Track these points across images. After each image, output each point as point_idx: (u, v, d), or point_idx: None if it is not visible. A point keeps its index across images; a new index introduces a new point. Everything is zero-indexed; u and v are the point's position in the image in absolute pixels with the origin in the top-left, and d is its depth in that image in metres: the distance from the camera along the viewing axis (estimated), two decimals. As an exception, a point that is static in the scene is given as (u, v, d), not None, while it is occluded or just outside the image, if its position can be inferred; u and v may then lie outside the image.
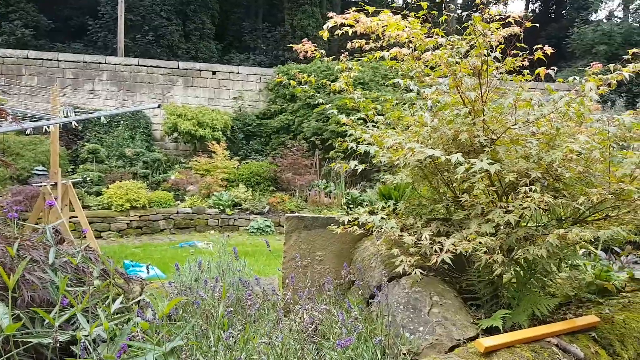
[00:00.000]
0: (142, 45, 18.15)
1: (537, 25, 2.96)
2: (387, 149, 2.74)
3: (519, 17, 2.77)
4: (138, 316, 2.12)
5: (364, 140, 3.01)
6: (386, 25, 2.77)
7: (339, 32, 2.96)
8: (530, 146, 2.46)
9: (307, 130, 14.30)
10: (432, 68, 2.92)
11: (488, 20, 2.42)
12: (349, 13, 2.78)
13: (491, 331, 2.16)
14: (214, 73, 15.76)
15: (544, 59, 2.52)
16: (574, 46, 18.63)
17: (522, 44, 2.81)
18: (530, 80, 2.85)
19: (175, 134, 13.90)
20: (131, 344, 1.88)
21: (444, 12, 2.66)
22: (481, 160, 2.23)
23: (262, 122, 15.51)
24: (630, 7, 18.72)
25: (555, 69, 2.54)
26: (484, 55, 2.41)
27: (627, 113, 2.39)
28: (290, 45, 3.63)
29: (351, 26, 2.82)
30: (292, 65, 15.76)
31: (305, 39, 3.33)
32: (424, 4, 2.61)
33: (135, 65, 15.24)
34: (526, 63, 2.87)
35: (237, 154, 14.58)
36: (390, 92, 11.86)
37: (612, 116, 2.24)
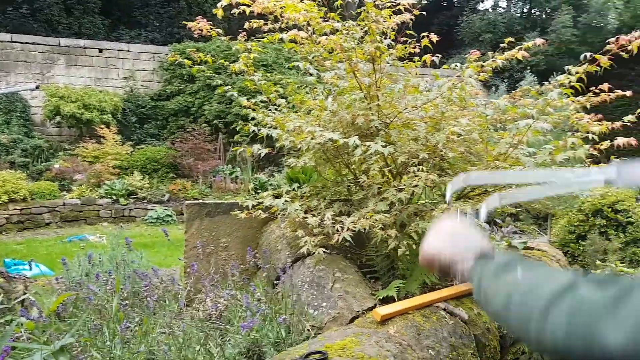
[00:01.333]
0: (14, 19, 16.12)
1: (425, 13, 3.12)
2: (290, 133, 2.77)
3: (409, 4, 2.91)
4: (22, 316, 1.96)
5: (267, 124, 3.01)
6: (284, 7, 2.77)
7: (235, 11, 2.89)
8: (419, 129, 2.64)
9: (208, 113, 13.81)
10: (330, 52, 2.98)
11: (380, 6, 2.52)
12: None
13: (388, 301, 2.32)
14: (100, 51, 14.52)
15: (430, 46, 2.69)
16: (463, 34, 20.09)
17: (413, 32, 2.96)
18: (419, 67, 3.03)
19: (58, 118, 12.65)
20: (15, 345, 1.73)
21: (339, -2, 2.72)
22: (376, 144, 2.35)
23: (157, 103, 14.64)
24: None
25: (440, 56, 2.73)
26: (377, 42, 2.52)
27: (503, 97, 2.66)
28: (184, 23, 3.47)
29: (247, 5, 2.77)
30: (188, 43, 15.02)
31: (200, 17, 3.21)
32: (320, -12, 2.64)
33: (8, 41, 13.53)
34: (417, 50, 3.04)
35: (130, 138, 13.62)
36: (294, 74, 11.88)
37: (490, 100, 2.48)
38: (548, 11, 20.41)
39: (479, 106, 2.67)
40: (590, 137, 2.45)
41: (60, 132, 13.80)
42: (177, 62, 14.73)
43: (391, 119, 2.65)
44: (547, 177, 0.86)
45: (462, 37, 20.21)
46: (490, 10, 19.89)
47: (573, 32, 15.91)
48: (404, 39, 2.94)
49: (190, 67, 3.56)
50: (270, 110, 3.27)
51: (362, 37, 2.72)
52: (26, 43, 13.71)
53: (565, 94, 2.33)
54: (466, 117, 2.60)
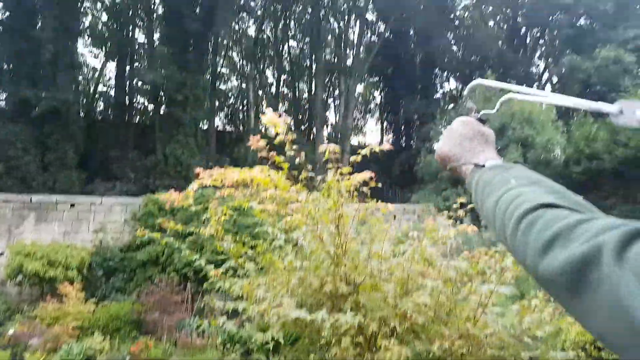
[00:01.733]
0: (-12, 178, 16.31)
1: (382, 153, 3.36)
2: (258, 302, 2.74)
3: (379, 150, 3.11)
4: None
5: (233, 291, 2.99)
6: (253, 178, 2.95)
7: (207, 183, 3.06)
8: (387, 289, 2.67)
9: (177, 262, 13.49)
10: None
11: (340, 180, 2.72)
12: (216, 169, 2.92)
13: None
14: (72, 205, 14.42)
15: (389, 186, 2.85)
16: (422, 172, 21.42)
17: (375, 183, 3.15)
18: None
19: (20, 277, 12.01)
20: None
21: (303, 171, 2.93)
22: (345, 313, 2.34)
23: (126, 255, 14.20)
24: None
25: (394, 216, 2.87)
26: (341, 211, 2.66)
27: (464, 255, 2.76)
28: (156, 195, 3.62)
29: (220, 181, 2.94)
30: (163, 193, 15.30)
31: (172, 190, 3.36)
32: (285, 165, 2.86)
33: (-21, 200, 13.50)
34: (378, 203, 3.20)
35: (95, 294, 12.82)
36: (265, 233, 12.04)
37: (450, 263, 2.57)
38: (498, 148, 22.33)
39: (442, 267, 2.74)
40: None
41: (20, 292, 12.99)
42: (150, 212, 14.83)
43: (359, 282, 2.68)
44: (562, 100, 0.91)
45: (422, 175, 21.53)
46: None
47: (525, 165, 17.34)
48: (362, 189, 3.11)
49: (165, 216, 3.61)
50: (238, 275, 3.28)
51: (327, 202, 2.87)
52: (-3, 200, 13.66)
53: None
54: (431, 277, 2.66)
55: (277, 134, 2.86)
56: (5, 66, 19.08)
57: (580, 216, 0.60)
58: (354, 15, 32.25)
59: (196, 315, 12.28)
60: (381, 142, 34.21)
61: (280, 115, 2.74)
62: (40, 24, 18.23)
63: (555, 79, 29.89)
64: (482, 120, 1.01)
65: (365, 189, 2.99)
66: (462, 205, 3.11)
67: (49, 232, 13.85)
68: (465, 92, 1.06)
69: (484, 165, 0.90)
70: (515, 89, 1.01)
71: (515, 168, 0.83)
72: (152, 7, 26.24)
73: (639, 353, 0.47)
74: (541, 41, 31.20)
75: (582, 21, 27.69)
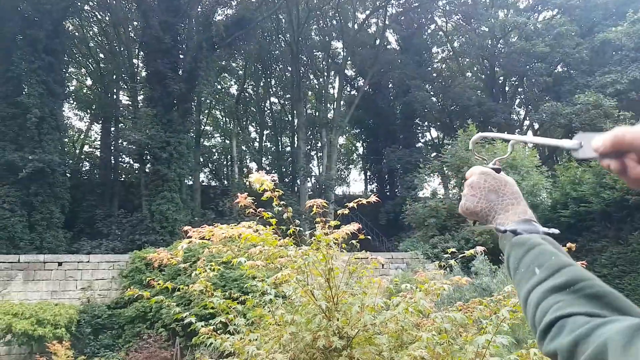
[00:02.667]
0: (-23, 240, 16.15)
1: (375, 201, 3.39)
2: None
3: (362, 202, 3.14)
4: None
5: (224, 348, 2.90)
6: (241, 234, 2.95)
7: (192, 241, 3.04)
8: (381, 342, 2.62)
9: (166, 317, 13.21)
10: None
11: (329, 232, 2.73)
12: (204, 227, 2.92)
13: None
14: (60, 264, 14.39)
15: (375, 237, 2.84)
16: (409, 219, 21.47)
17: (363, 235, 3.17)
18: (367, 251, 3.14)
19: (9, 337, 11.83)
20: None
21: (291, 226, 2.94)
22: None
23: (114, 312, 14.07)
24: (448, 186, 22.77)
25: (383, 263, 2.86)
26: (330, 264, 2.65)
27: (456, 306, 2.74)
28: (144, 254, 3.58)
29: (208, 239, 2.92)
30: (150, 249, 15.17)
31: (161, 249, 3.33)
32: (273, 221, 2.87)
33: (-33, 262, 13.33)
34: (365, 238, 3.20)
35: (83, 352, 12.66)
36: (254, 287, 11.91)
37: (447, 313, 2.54)
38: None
39: (437, 318, 2.71)
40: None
41: (9, 351, 12.75)
42: (138, 268, 14.62)
43: (352, 336, 2.63)
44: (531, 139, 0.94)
45: (409, 222, 21.59)
46: (430, 197, 21.72)
47: (512, 211, 17.47)
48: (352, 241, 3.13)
49: (152, 271, 3.54)
50: (229, 331, 3.20)
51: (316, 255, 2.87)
52: (-15, 261, 13.53)
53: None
54: (426, 328, 2.62)
55: (264, 191, 2.89)
56: (-8, 130, 19.20)
57: (597, 321, 0.65)
58: (333, 72, 33.47)
59: (185, 375, 11.88)
60: (365, 191, 34.47)
61: (267, 173, 2.78)
62: (26, 89, 18.55)
63: (536, 125, 30.84)
64: (497, 170, 0.98)
65: (354, 241, 3.00)
66: (453, 254, 3.11)
67: (37, 291, 13.82)
68: (470, 146, 1.09)
69: (505, 231, 0.88)
70: (516, 138, 1.05)
71: (536, 248, 0.82)
72: (136, 70, 26.96)
73: None
74: (520, 89, 32.41)
75: (559, 68, 28.94)
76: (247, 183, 29.26)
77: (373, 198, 2.94)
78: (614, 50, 25.34)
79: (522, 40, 27.22)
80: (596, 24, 27.60)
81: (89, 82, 30.63)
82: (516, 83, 32.18)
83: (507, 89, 32.61)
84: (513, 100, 32.27)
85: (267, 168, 31.29)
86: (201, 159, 29.39)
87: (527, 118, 31.31)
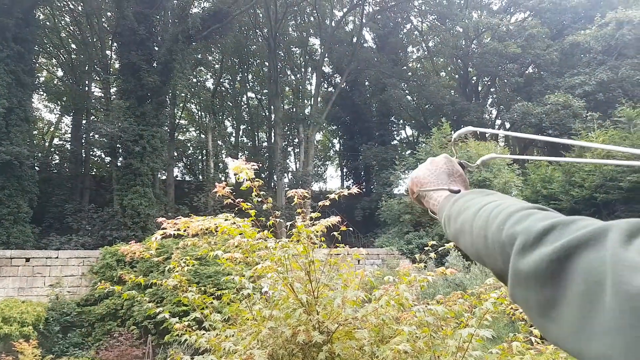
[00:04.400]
0: (-61, 234, 15.47)
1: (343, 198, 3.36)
2: (226, 357, 2.58)
3: (336, 196, 3.10)
4: None
5: (200, 346, 2.82)
6: (218, 225, 2.86)
7: (170, 233, 2.93)
8: (362, 336, 2.58)
9: (138, 315, 12.96)
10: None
11: (310, 224, 2.67)
12: (180, 219, 2.82)
13: None
14: (27, 260, 13.94)
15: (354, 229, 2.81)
16: (385, 216, 21.65)
17: (345, 227, 3.12)
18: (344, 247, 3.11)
19: (-29, 335, 11.34)
20: None
21: (270, 217, 2.87)
22: (321, 364, 2.23)
23: (83, 309, 13.72)
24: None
25: (363, 254, 2.83)
26: (310, 256, 2.60)
27: (438, 298, 2.72)
28: (115, 249, 3.46)
29: (184, 230, 2.83)
30: (121, 245, 14.80)
31: (133, 241, 3.21)
32: (252, 212, 2.80)
33: None
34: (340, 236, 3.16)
35: (52, 350, 12.36)
36: (230, 282, 11.76)
37: (428, 306, 2.52)
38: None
39: (418, 311, 2.69)
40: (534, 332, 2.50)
41: (-31, 352, 12.21)
42: (108, 265, 14.29)
43: (333, 330, 2.58)
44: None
45: (385, 219, 21.77)
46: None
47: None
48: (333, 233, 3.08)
49: (122, 268, 3.42)
50: (204, 327, 3.11)
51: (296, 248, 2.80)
52: (-54, 257, 12.98)
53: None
54: (406, 322, 2.60)
55: (242, 181, 2.81)
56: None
57: (581, 216, 0.55)
58: (310, 68, 33.36)
59: (157, 373, 11.69)
60: (342, 187, 34.50)
61: (246, 162, 2.70)
62: (-7, 79, 17.85)
63: (508, 125, 31.47)
64: (461, 164, 1.04)
65: (335, 233, 2.95)
66: (433, 247, 3.09)
67: (2, 288, 13.44)
68: (454, 136, 1.09)
69: (459, 191, 0.91)
70: (501, 133, 1.09)
71: (483, 190, 0.83)
72: (109, 62, 26.27)
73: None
74: (492, 89, 33.01)
75: (530, 69, 29.58)
76: (223, 178, 28.91)
77: (355, 189, 2.89)
78: (583, 52, 26.09)
79: (494, 41, 27.73)
80: (566, 27, 28.35)
81: (60, 73, 29.66)
82: (489, 83, 32.78)
83: (480, 88, 33.20)
84: (485, 99, 32.89)
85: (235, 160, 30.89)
86: (175, 153, 28.90)
87: (499, 117, 31.93)
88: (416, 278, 2.69)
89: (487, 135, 30.25)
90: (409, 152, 29.20)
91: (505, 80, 29.47)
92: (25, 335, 11.61)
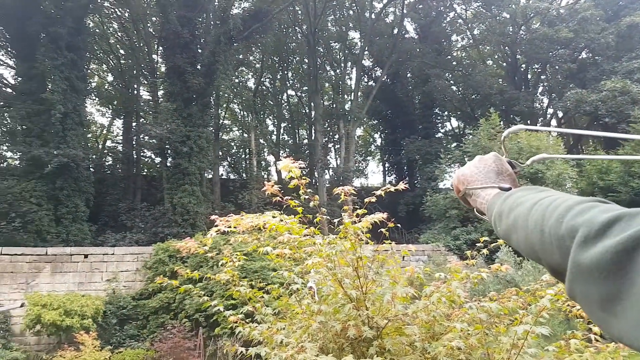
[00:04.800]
0: (6, 232, 16.61)
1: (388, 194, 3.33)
2: (279, 347, 2.64)
3: (393, 189, 3.08)
4: None
5: (252, 338, 2.90)
6: (267, 223, 2.92)
7: (220, 229, 3.02)
8: (412, 333, 2.57)
9: (189, 308, 13.42)
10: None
11: (356, 221, 2.68)
12: (231, 216, 2.90)
13: None
14: (86, 256, 14.73)
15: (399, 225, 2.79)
16: (430, 211, 21.28)
17: (393, 223, 3.10)
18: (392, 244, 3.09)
19: (38, 327, 12.18)
20: None
21: (317, 215, 2.90)
22: (371, 358, 2.24)
23: (138, 303, 14.33)
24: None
25: (412, 250, 2.81)
26: (358, 252, 2.61)
27: (491, 295, 2.67)
28: (167, 246, 3.60)
29: (234, 227, 2.91)
30: (172, 241, 15.38)
31: (188, 238, 3.34)
32: (300, 209, 2.84)
33: (-2, 254, 13.80)
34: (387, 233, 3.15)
35: (110, 342, 12.99)
36: (276, 277, 12.00)
37: (480, 303, 2.48)
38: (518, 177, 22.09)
39: (470, 308, 2.64)
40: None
41: (38, 341, 13.16)
42: (159, 260, 14.82)
43: (383, 326, 2.58)
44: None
45: (430, 214, 21.39)
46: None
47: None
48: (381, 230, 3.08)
49: (175, 263, 3.57)
50: (255, 319, 3.19)
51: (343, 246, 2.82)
52: (14, 255, 13.94)
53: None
54: (458, 318, 2.56)
55: (290, 179, 2.85)
56: (19, 127, 19.69)
57: None
58: (350, 63, 33.19)
59: (209, 362, 12.06)
60: (384, 183, 34.24)
61: (294, 161, 2.74)
62: (50, 86, 18.91)
63: (560, 114, 30.13)
64: (512, 165, 1.02)
65: (383, 230, 2.94)
66: (485, 244, 3.01)
67: (64, 283, 14.19)
68: (504, 134, 1.07)
69: (510, 189, 0.90)
70: (553, 130, 1.04)
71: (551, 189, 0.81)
72: (155, 65, 27.22)
73: None
74: (543, 77, 31.65)
75: (583, 54, 28.14)
76: (265, 176, 29.31)
77: (401, 185, 2.88)
78: (642, 35, 24.58)
79: (544, 26, 26.56)
80: (622, 8, 26.73)
81: (110, 78, 31.07)
82: (539, 70, 31.44)
83: (529, 76, 31.91)
84: (536, 88, 31.57)
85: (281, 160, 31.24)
86: (220, 153, 29.60)
87: (551, 106, 30.62)
88: (469, 275, 2.65)
89: (538, 125, 29.10)
90: (454, 144, 28.49)
91: (557, 67, 28.16)
92: (85, 327, 12.16)
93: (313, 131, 30.34)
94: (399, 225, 2.99)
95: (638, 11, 24.65)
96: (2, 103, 21.46)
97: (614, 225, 0.52)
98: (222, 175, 30.29)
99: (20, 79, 20.06)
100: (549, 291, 2.34)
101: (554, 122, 32.62)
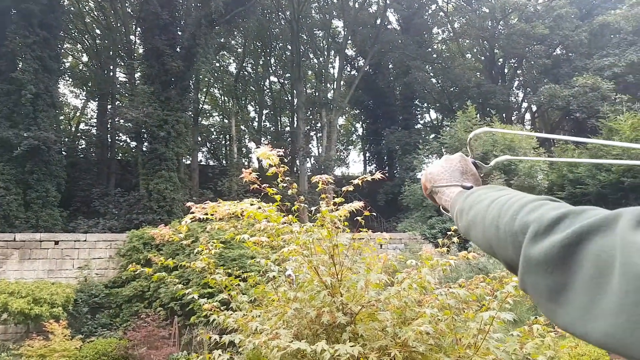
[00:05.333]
0: (-28, 219, 16.11)
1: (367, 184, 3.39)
2: (253, 335, 2.68)
3: (370, 179, 3.13)
4: None
5: (228, 326, 2.92)
6: (244, 210, 2.94)
7: (197, 217, 3.02)
8: (385, 318, 2.63)
9: (164, 296, 13.32)
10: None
11: (333, 209, 2.72)
12: (208, 203, 2.90)
13: None
14: (56, 243, 14.39)
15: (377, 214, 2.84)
16: (408, 200, 21.58)
17: (368, 212, 3.16)
18: (368, 232, 3.15)
19: (5, 315, 11.84)
20: None
21: (295, 202, 2.93)
22: (344, 344, 2.30)
23: (111, 291, 14.12)
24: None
25: (387, 238, 2.87)
26: (334, 240, 2.65)
27: (460, 282, 2.75)
28: (141, 233, 3.58)
29: (211, 214, 2.91)
30: (147, 228, 15.18)
31: (162, 225, 3.32)
32: (278, 197, 2.86)
33: (-38, 240, 13.33)
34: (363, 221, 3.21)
35: (81, 331, 12.76)
36: (255, 265, 12.04)
37: (450, 290, 2.55)
38: (481, 176, 22.53)
39: (440, 294, 2.72)
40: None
41: (5, 330, 12.83)
42: (134, 247, 14.65)
43: (356, 312, 2.64)
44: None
45: (407, 204, 21.70)
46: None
47: (508, 193, 17.46)
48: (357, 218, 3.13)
49: (149, 251, 3.56)
50: (231, 307, 3.22)
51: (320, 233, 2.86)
52: (-19, 240, 13.53)
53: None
54: (428, 304, 2.64)
55: (269, 166, 2.87)
56: (-14, 107, 19.00)
57: (591, 207, 0.58)
58: (333, 51, 33.07)
59: (183, 349, 12.03)
60: (364, 172, 34.41)
61: (272, 149, 2.75)
62: (20, 65, 18.27)
63: (534, 107, 30.72)
64: (476, 165, 1.08)
65: (359, 218, 2.99)
66: (456, 232, 3.11)
67: (33, 270, 13.84)
68: (470, 136, 1.12)
69: (472, 187, 0.95)
70: (519, 134, 1.13)
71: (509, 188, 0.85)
72: (133, 47, 26.56)
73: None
74: (519, 71, 32.20)
75: (557, 51, 28.71)
76: (246, 163, 29.12)
77: (378, 175, 2.92)
78: (612, 33, 25.20)
79: (522, 22, 26.95)
80: (595, 7, 27.37)
81: (84, 58, 30.22)
82: (515, 65, 31.97)
83: (506, 70, 32.42)
84: (512, 82, 32.12)
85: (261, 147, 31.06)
86: (199, 138, 29.22)
87: (525, 100, 31.21)
88: (439, 262, 2.72)
89: (512, 118, 29.68)
90: (432, 136, 28.84)
91: (532, 62, 28.69)
92: (55, 316, 11.86)
93: (295, 119, 30.22)
94: (375, 213, 3.05)
95: (610, 11, 25.27)
96: (-31, 82, 20.68)
97: (561, 221, 0.56)
98: (200, 161, 29.98)
99: (-12, 56, 19.32)
100: (514, 278, 2.43)
101: (528, 115, 33.28)
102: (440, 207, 1.04)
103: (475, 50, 34.64)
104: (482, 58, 33.33)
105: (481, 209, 0.76)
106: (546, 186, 18.28)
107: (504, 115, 28.81)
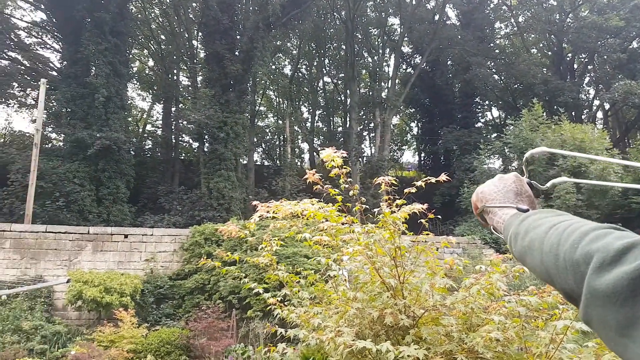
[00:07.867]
0: (51, 211, 17.43)
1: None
2: (316, 331, 2.71)
3: (434, 181, 3.09)
4: None
5: (291, 321, 2.98)
6: (306, 210, 2.98)
7: (264, 216, 3.10)
8: (449, 323, 2.58)
9: (223, 289, 13.77)
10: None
11: (395, 210, 2.70)
12: (272, 202, 2.97)
13: None
14: (126, 236, 15.27)
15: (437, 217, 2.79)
16: (467, 203, 20.87)
17: (432, 214, 3.11)
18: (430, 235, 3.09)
19: (79, 302, 12.74)
20: None
21: (356, 204, 2.93)
22: (408, 346, 2.28)
23: (175, 283, 14.78)
24: (510, 168, 21.77)
25: (453, 242, 2.80)
26: (397, 242, 2.63)
27: (530, 289, 2.64)
28: (203, 228, 3.72)
29: (274, 213, 2.98)
30: (208, 224, 15.77)
31: (229, 222, 3.44)
32: (339, 198, 2.88)
33: (42, 232, 14.46)
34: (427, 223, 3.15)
35: (147, 319, 13.46)
36: (308, 264, 12.21)
37: (519, 297, 2.46)
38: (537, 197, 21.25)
39: (509, 301, 2.62)
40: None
41: (79, 316, 13.79)
42: (196, 242, 15.20)
43: (419, 315, 2.61)
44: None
45: (466, 206, 21.01)
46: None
47: (578, 197, 16.45)
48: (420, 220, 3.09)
49: (210, 246, 3.70)
50: (292, 303, 3.28)
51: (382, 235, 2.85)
52: (58, 232, 14.59)
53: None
54: (495, 311, 2.56)
55: (331, 167, 2.89)
56: (63, 110, 20.50)
57: None
58: (388, 49, 32.69)
59: (240, 341, 12.38)
60: (419, 173, 33.74)
61: (336, 150, 2.78)
62: (94, 70, 19.54)
63: (607, 105, 28.84)
64: (530, 184, 1.03)
65: (423, 221, 2.95)
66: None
67: (104, 261, 14.74)
68: (526, 156, 1.07)
69: (527, 210, 0.91)
70: (580, 156, 1.04)
71: (551, 211, 0.83)
72: (195, 51, 27.65)
73: None
74: (590, 67, 30.32)
75: (634, 44, 26.77)
76: (299, 163, 29.41)
77: (443, 177, 2.87)
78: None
79: (593, 14, 25.36)
80: (679, -5, 25.22)
81: (150, 63, 31.83)
82: (586, 60, 30.11)
83: (575, 66, 30.62)
84: (582, 78, 30.28)
85: (319, 149, 31.33)
86: (255, 139, 29.95)
87: (597, 98, 29.32)
88: (511, 268, 2.63)
89: (583, 117, 27.97)
90: (495, 135, 27.76)
91: (605, 57, 26.85)
92: (124, 305, 12.59)
93: (348, 119, 30.20)
94: (439, 217, 2.99)
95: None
96: (48, 86, 22.38)
97: (629, 252, 0.54)
98: (256, 161, 30.72)
99: (65, 62, 20.82)
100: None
101: (600, 114, 31.27)
102: (492, 228, 1.01)
103: (541, 45, 32.96)
104: (549, 53, 31.65)
105: (538, 235, 0.74)
106: (620, 190, 17.04)
107: (573, 113, 27.23)
